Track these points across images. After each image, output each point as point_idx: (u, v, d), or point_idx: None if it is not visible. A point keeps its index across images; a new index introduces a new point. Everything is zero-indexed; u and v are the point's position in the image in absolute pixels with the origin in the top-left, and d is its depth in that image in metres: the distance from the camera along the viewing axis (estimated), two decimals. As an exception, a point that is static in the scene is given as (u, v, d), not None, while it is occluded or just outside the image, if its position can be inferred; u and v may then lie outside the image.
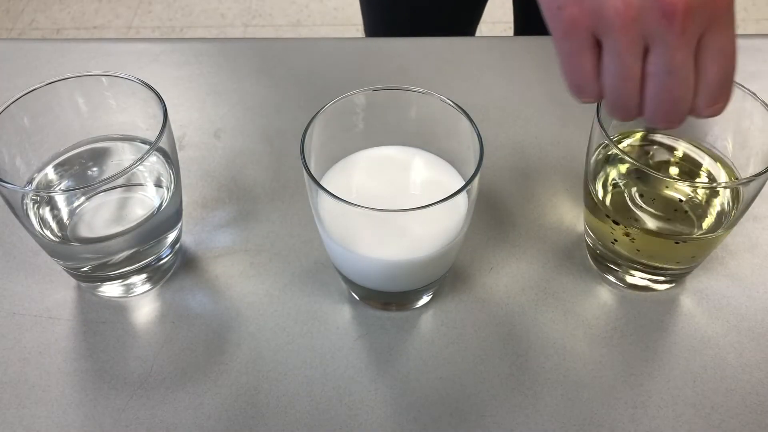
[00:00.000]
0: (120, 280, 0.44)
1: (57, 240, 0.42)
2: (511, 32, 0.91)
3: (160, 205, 0.43)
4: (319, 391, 0.41)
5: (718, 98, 0.33)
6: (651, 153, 0.45)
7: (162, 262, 0.45)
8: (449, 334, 0.43)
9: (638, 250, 0.42)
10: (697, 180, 0.44)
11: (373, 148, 0.44)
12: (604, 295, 0.45)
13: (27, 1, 1.99)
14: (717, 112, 0.33)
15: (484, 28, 1.79)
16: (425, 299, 0.45)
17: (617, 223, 0.41)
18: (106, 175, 0.44)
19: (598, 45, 0.32)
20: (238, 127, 0.56)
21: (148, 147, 0.39)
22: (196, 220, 0.50)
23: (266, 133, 0.56)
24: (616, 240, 0.42)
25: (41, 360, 0.42)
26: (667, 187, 0.43)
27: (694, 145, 0.44)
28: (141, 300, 0.45)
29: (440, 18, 0.80)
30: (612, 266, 0.45)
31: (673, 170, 0.45)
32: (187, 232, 0.49)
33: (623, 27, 0.31)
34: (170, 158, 0.43)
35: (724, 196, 0.42)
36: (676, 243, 0.41)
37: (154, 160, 0.43)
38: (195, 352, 0.43)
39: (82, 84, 0.42)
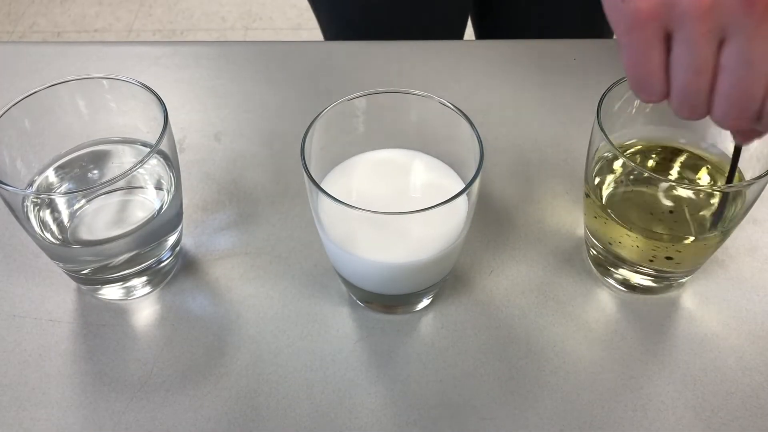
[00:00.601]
0: (120, 283, 0.44)
1: (57, 242, 0.42)
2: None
3: (161, 207, 0.43)
4: (319, 394, 0.41)
5: None
6: (651, 156, 0.45)
7: (162, 264, 0.45)
8: (449, 337, 0.43)
9: (638, 253, 0.42)
10: (698, 183, 0.44)
11: (373, 151, 0.44)
12: (604, 297, 0.45)
13: (28, 4, 2.00)
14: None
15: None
16: (425, 302, 0.45)
17: (617, 226, 0.41)
18: (106, 178, 0.44)
19: (666, 38, 0.30)
20: (238, 129, 0.56)
21: (148, 150, 0.39)
22: (197, 222, 0.50)
23: (267, 136, 0.56)
24: (616, 242, 0.42)
25: (41, 363, 0.42)
26: (667, 189, 0.43)
27: (694, 149, 0.44)
28: (141, 303, 0.45)
29: (431, 23, 0.78)
30: (612, 269, 0.45)
31: (674, 173, 0.45)
32: (188, 235, 0.49)
33: (699, 16, 0.28)
34: (171, 161, 0.43)
35: (724, 200, 0.42)
36: (676, 246, 0.41)
37: (155, 163, 0.43)
38: (195, 355, 0.43)
39: (83, 87, 0.43)
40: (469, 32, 0.85)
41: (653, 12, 0.29)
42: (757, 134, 0.33)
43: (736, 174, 0.39)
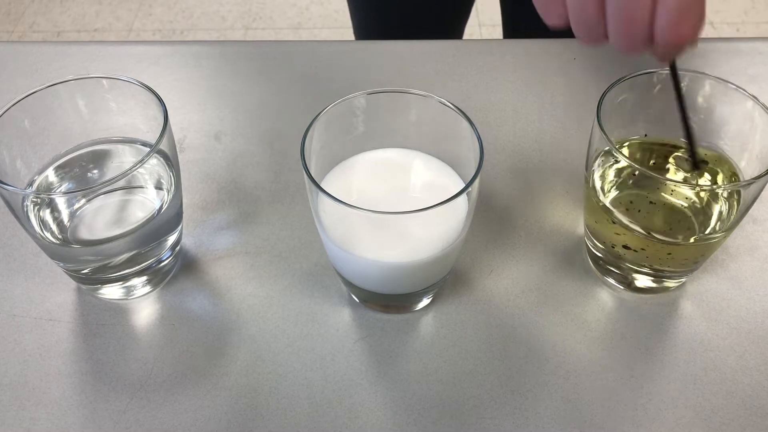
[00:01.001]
0: (120, 283, 0.44)
1: (57, 242, 0.42)
2: None
3: (161, 207, 0.43)
4: (319, 394, 0.41)
5: (679, 23, 0.33)
6: (651, 156, 0.45)
7: (162, 264, 0.45)
8: (449, 336, 0.43)
9: (638, 253, 0.42)
10: (697, 183, 0.44)
11: (373, 150, 0.44)
12: (604, 297, 0.45)
13: (28, 3, 2.00)
14: (680, 39, 0.34)
15: (484, 32, 1.80)
16: (425, 302, 0.45)
17: (617, 226, 0.41)
18: (106, 178, 0.44)
19: None
20: (238, 129, 0.56)
21: (148, 149, 0.39)
22: (197, 222, 0.50)
23: (267, 136, 0.56)
24: (616, 242, 0.42)
25: (41, 362, 0.42)
26: (667, 189, 0.43)
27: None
28: (141, 302, 0.45)
29: (429, 18, 0.82)
30: (612, 269, 0.45)
31: (673, 174, 0.45)
32: (188, 235, 0.49)
33: None
34: (171, 160, 0.43)
35: (724, 199, 0.42)
36: (676, 246, 0.41)
37: (155, 163, 0.43)
38: (195, 355, 0.43)
39: (83, 86, 0.43)
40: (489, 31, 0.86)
41: None
42: (677, 50, 0.35)
43: (732, 180, 0.39)
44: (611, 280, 0.46)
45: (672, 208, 0.42)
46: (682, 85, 0.40)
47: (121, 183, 0.41)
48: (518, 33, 0.83)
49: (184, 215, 0.48)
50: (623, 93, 0.42)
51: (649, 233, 0.41)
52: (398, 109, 0.42)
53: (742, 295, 0.45)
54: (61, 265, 0.43)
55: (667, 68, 0.38)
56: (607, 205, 0.43)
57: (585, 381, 0.41)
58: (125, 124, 0.44)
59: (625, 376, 0.41)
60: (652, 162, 0.45)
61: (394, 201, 0.41)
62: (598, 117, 0.40)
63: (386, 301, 0.44)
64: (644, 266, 0.43)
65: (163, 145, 0.40)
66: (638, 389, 0.41)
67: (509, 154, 0.54)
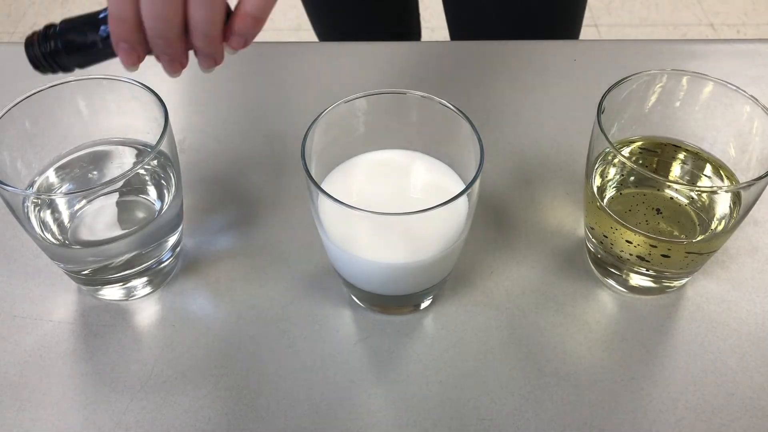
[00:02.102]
0: (121, 284, 0.44)
1: (58, 243, 0.42)
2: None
3: (161, 208, 0.43)
4: (319, 395, 0.41)
5: (209, 42, 0.36)
6: (651, 158, 0.45)
7: (163, 265, 0.45)
8: (449, 337, 0.43)
9: (638, 254, 0.42)
10: (698, 184, 0.44)
11: (373, 151, 0.44)
12: (604, 298, 0.45)
13: (29, 5, 2.00)
14: (213, 54, 0.36)
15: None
16: (426, 303, 0.45)
17: (618, 227, 0.41)
18: (107, 179, 0.44)
19: None
20: (238, 130, 0.56)
21: (149, 150, 0.40)
22: (197, 223, 0.50)
23: (267, 137, 0.56)
24: (616, 244, 0.42)
25: (41, 363, 0.42)
26: (667, 191, 0.43)
27: (695, 150, 0.44)
28: (141, 303, 0.45)
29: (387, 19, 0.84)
30: (612, 270, 0.45)
31: (674, 175, 0.45)
32: (188, 236, 0.49)
33: None
34: (171, 162, 0.43)
35: (724, 201, 0.42)
36: (677, 247, 0.41)
37: (155, 164, 0.43)
38: (195, 356, 0.43)
39: (84, 87, 0.43)
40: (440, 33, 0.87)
41: None
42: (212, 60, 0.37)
43: (728, 179, 0.39)
44: (611, 282, 0.46)
45: (672, 210, 0.42)
46: (682, 86, 0.40)
47: (121, 184, 0.41)
48: (464, 35, 0.84)
49: (184, 216, 0.48)
50: (623, 94, 0.42)
51: (649, 234, 0.41)
52: (399, 111, 0.42)
53: (743, 296, 0.45)
54: (62, 266, 0.43)
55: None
56: (607, 206, 0.43)
57: (585, 382, 0.41)
58: (126, 125, 0.44)
59: (626, 377, 0.41)
60: (652, 163, 0.45)
61: (395, 202, 0.41)
62: (598, 118, 0.40)
63: (386, 302, 0.44)
64: (644, 267, 0.43)
65: (164, 147, 0.40)
66: (638, 391, 0.41)
67: (510, 155, 0.54)
